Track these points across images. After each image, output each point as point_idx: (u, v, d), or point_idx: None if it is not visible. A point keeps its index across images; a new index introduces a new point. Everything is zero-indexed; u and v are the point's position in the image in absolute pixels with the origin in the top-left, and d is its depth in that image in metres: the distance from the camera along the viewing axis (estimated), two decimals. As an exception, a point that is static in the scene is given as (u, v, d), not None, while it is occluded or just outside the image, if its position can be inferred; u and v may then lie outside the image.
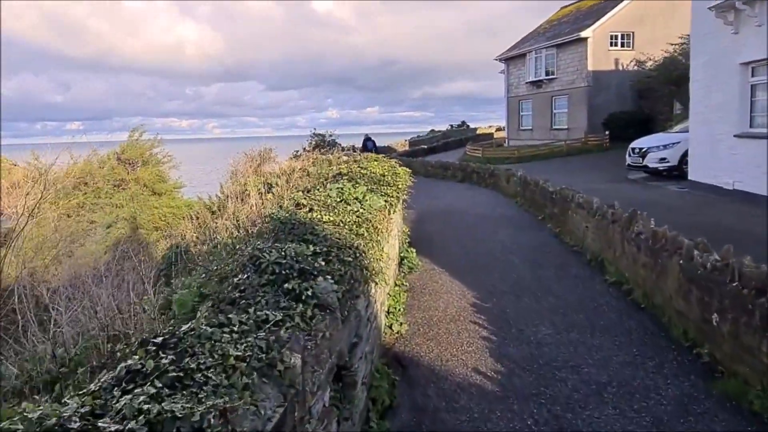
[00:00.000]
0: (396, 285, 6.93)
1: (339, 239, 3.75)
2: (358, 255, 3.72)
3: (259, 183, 13.70)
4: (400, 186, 6.77)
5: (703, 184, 12.35)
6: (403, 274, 7.63)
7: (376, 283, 4.29)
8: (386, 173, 6.72)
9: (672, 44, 23.62)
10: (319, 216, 4.28)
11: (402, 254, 7.96)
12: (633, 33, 26.87)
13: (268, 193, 13.21)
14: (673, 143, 15.10)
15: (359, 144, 24.56)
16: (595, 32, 26.30)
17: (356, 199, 5.01)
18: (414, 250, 8.60)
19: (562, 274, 7.35)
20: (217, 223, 10.37)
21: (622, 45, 27.05)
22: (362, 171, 6.62)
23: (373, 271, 4.02)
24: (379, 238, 4.66)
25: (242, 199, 13.19)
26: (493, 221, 11.64)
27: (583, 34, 26.18)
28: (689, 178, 13.03)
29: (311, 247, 3.35)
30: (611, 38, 26.82)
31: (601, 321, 5.74)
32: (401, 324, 5.79)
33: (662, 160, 15.27)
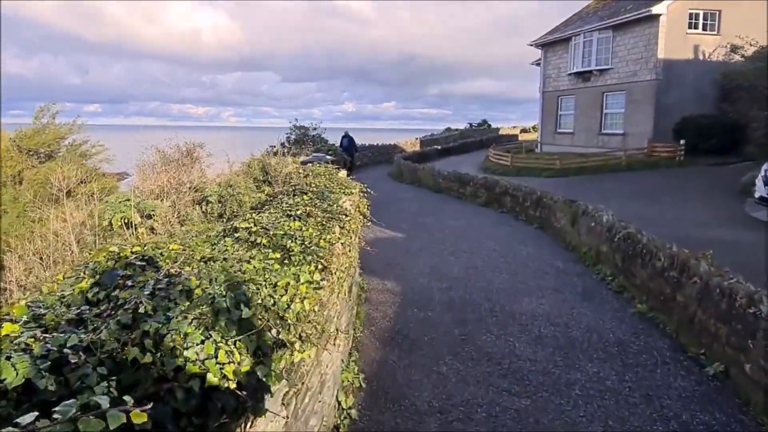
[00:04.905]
0: None
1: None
2: None
3: (125, 207, 7.77)
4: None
5: None
6: None
7: None
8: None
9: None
10: None
11: None
12: (719, 12, 20.35)
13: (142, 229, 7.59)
14: None
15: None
16: (671, 7, 19.83)
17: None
18: None
19: None
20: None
21: (704, 27, 20.53)
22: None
23: None
24: None
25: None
26: (588, 371, 4.86)
27: (655, 9, 19.71)
28: None
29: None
30: (691, 17, 20.32)
31: None
32: None
33: (836, 197, 9.02)
